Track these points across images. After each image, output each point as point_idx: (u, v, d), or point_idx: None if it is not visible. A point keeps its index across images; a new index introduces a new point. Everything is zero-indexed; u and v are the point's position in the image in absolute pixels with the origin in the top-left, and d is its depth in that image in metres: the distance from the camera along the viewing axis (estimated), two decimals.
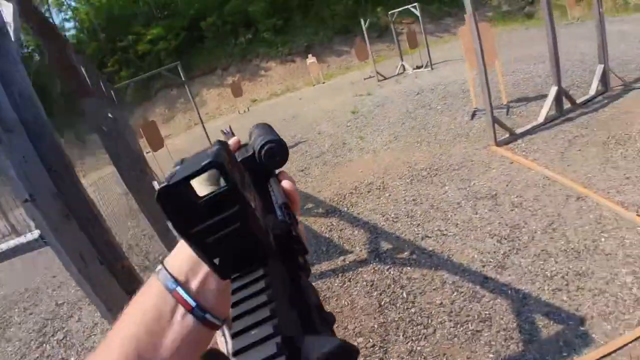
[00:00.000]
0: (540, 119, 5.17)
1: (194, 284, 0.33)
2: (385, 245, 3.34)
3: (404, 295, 2.66)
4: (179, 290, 0.33)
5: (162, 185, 0.23)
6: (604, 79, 5.65)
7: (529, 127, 5.10)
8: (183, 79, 7.99)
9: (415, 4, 9.95)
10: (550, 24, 4.87)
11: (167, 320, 0.33)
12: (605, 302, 2.12)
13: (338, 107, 8.39)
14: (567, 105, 5.38)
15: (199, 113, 8.27)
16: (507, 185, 3.84)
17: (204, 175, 0.23)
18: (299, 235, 0.29)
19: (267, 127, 0.41)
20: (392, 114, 6.92)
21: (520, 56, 9.73)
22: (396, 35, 11.81)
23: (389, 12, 11.35)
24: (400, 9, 10.82)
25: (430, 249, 3.12)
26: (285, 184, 0.39)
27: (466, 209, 3.56)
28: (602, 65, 5.55)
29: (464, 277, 2.66)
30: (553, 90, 5.15)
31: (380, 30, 17.37)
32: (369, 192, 4.37)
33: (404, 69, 11.06)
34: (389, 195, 4.22)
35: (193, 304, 0.32)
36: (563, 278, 2.39)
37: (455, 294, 2.53)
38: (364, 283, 2.90)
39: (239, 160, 0.36)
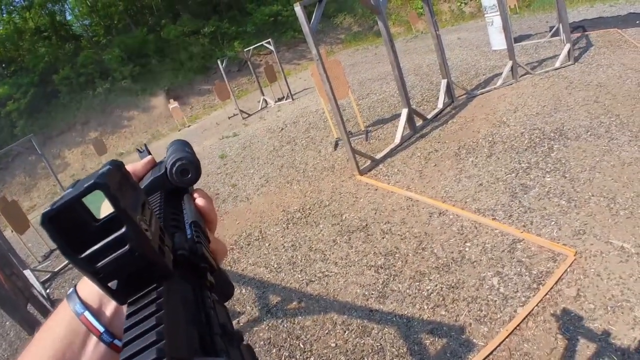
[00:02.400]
0: (397, 140, 6.40)
1: (108, 310, 0.39)
2: (274, 299, 3.86)
3: (301, 345, 3.09)
4: (87, 314, 0.38)
5: (46, 209, 0.28)
6: (449, 91, 7.42)
7: (387, 150, 6.23)
8: (39, 152, 8.88)
9: (269, 39, 12.27)
10: (393, 55, 6.18)
11: (78, 346, 0.38)
12: (478, 307, 2.81)
13: (206, 153, 9.35)
14: (420, 122, 6.83)
15: (59, 182, 9.63)
16: (375, 213, 4.64)
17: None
18: (204, 254, 0.36)
19: (181, 144, 0.50)
20: (260, 154, 7.99)
21: (374, 75, 11.90)
22: (254, 70, 13.81)
23: (245, 49, 13.40)
24: (254, 45, 12.89)
25: (316, 293, 3.65)
26: (199, 201, 0.48)
27: (342, 245, 4.26)
28: (446, 80, 7.31)
29: (352, 314, 3.18)
30: (404, 113, 6.47)
31: (239, 64, 20.34)
32: (248, 244, 4.94)
33: (266, 103, 13.06)
34: (269, 244, 4.83)
35: (101, 329, 0.38)
36: (439, 294, 3.05)
37: (346, 332, 3.02)
38: (262, 342, 3.32)
39: (151, 178, 0.46)
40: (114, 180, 0.29)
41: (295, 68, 20.06)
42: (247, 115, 12.52)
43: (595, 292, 2.65)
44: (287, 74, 13.99)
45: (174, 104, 15.63)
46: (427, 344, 2.64)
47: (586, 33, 9.97)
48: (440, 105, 7.26)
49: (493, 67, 8.94)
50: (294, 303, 3.67)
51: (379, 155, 6.09)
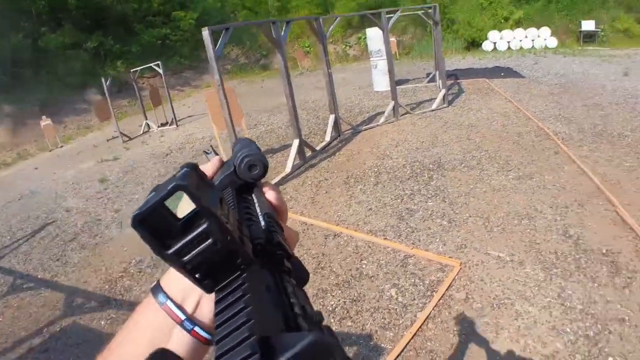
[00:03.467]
0: (288, 169, 6.75)
1: (191, 303, 0.44)
2: None
3: None
4: (169, 303, 0.43)
5: (135, 213, 0.33)
6: (337, 126, 8.08)
7: (278, 178, 6.52)
8: None
9: (158, 62, 12.53)
10: (289, 88, 6.65)
11: (164, 336, 0.42)
12: (381, 316, 3.12)
13: (84, 177, 8.90)
14: (309, 152, 7.30)
15: None
16: None
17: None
18: (280, 241, 0.41)
19: (247, 142, 0.55)
20: (144, 180, 7.82)
21: (261, 107, 12.36)
22: (139, 92, 13.74)
23: (132, 70, 13.21)
24: (143, 66, 12.91)
25: None
26: (269, 194, 0.54)
27: None
28: (334, 115, 7.96)
29: None
30: (295, 143, 6.88)
31: (120, 85, 19.46)
32: (139, 271, 4.68)
33: (149, 128, 12.94)
34: (162, 271, 4.56)
35: (182, 316, 0.42)
36: (343, 308, 3.31)
37: None
38: None
39: (221, 177, 0.52)
40: (192, 180, 0.34)
41: (179, 94, 19.75)
42: (128, 139, 12.16)
43: (481, 294, 3.16)
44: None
45: (46, 121, 14.09)
46: None
47: (458, 81, 11.72)
48: (327, 138, 7.85)
49: (375, 106, 9.96)
50: None
51: (272, 182, 6.31)
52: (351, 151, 7.11)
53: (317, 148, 7.49)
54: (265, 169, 0.50)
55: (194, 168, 0.37)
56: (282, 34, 6.54)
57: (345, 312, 3.26)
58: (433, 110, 8.69)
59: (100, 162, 9.78)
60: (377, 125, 8.27)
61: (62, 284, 4.55)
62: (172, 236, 0.34)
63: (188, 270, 0.34)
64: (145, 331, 0.44)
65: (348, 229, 4.58)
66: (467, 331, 2.83)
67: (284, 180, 6.50)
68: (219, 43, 5.47)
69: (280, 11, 25.50)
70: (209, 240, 0.33)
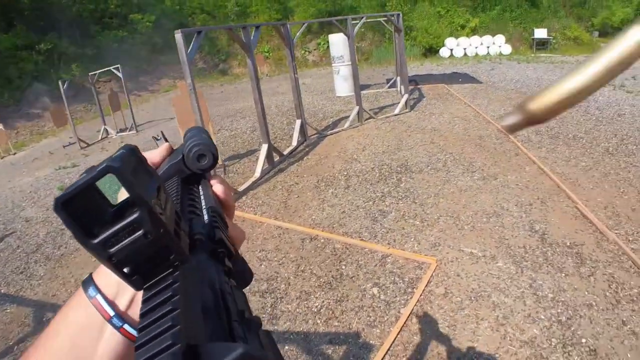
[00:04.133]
0: (257, 174, 6.80)
1: (124, 299, 0.41)
2: None
3: None
4: (99, 297, 0.41)
5: (58, 195, 0.30)
6: (303, 131, 8.20)
7: (248, 183, 6.56)
8: None
9: (118, 65, 12.32)
10: (258, 93, 6.72)
11: (94, 332, 0.40)
12: (366, 314, 3.25)
13: (41, 185, 8.64)
14: (277, 157, 7.38)
15: None
16: (247, 243, 4.84)
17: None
18: (222, 238, 0.39)
19: (198, 130, 0.53)
20: None
21: (222, 113, 12.33)
22: (97, 97, 13.48)
23: (90, 74, 12.96)
24: (102, 69, 12.67)
25: None
26: (217, 187, 0.52)
27: None
28: (300, 120, 8.08)
29: None
30: (264, 147, 6.95)
31: (76, 89, 18.82)
32: None
33: (107, 133, 12.76)
34: None
35: (112, 312, 0.40)
36: (328, 308, 3.41)
37: None
38: None
39: (168, 164, 0.50)
40: (128, 164, 0.32)
41: (137, 99, 19.31)
42: (86, 145, 11.89)
43: (459, 288, 3.35)
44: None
45: None
46: (330, 352, 2.94)
47: (418, 86, 12.11)
48: (294, 143, 7.95)
49: (339, 111, 10.17)
50: None
51: (241, 188, 6.36)
52: (319, 155, 7.24)
53: (285, 153, 7.59)
54: (215, 159, 0.49)
55: (132, 151, 0.35)
56: (252, 38, 6.61)
57: (331, 312, 3.36)
58: (396, 115, 8.97)
59: (57, 169, 9.50)
60: (343, 129, 8.46)
61: (29, 299, 4.41)
62: (101, 224, 0.31)
63: (114, 263, 0.32)
64: (72, 326, 0.41)
65: (324, 232, 4.69)
66: (450, 323, 3.00)
67: (254, 185, 6.54)
68: (191, 46, 5.47)
69: (239, 16, 25.53)
70: (140, 232, 0.31)
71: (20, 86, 19.19)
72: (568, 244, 3.83)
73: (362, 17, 8.55)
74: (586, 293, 3.20)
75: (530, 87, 10.85)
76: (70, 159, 10.40)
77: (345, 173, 6.24)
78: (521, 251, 3.78)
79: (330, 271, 3.95)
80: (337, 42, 12.17)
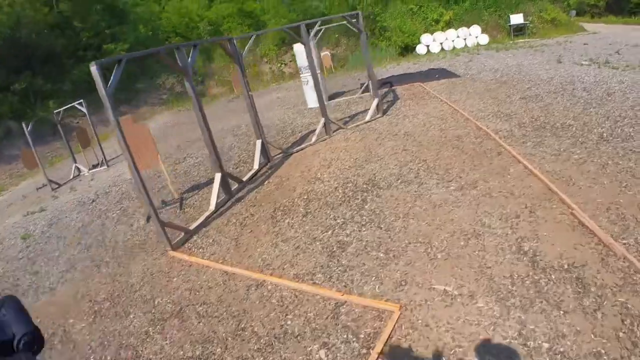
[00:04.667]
0: (212, 207, 6.06)
1: None
2: None
3: None
4: None
5: None
6: (265, 152, 7.46)
7: (202, 219, 5.82)
8: None
9: (81, 100, 11.99)
10: (203, 119, 6.00)
11: None
12: None
13: (7, 234, 8.22)
14: (236, 185, 6.63)
15: None
16: (190, 294, 4.12)
17: None
18: None
19: (17, 310, 0.68)
20: (67, 233, 7.15)
21: (195, 137, 11.62)
22: (64, 134, 13.05)
23: (55, 111, 12.62)
24: (65, 107, 12.30)
25: None
26: None
27: (155, 337, 3.68)
28: (260, 140, 7.34)
29: None
30: (217, 177, 6.22)
31: (54, 127, 18.50)
32: (51, 349, 4.14)
33: (79, 171, 12.36)
34: (74, 346, 4.06)
35: None
36: None
37: None
38: None
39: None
40: None
41: (109, 132, 18.68)
42: (57, 186, 11.38)
43: (427, 344, 2.58)
44: (102, 138, 13.73)
45: None
46: None
47: (393, 88, 11.39)
48: (256, 166, 7.21)
49: (309, 124, 9.43)
50: None
51: (193, 226, 5.62)
52: (281, 178, 6.49)
53: (245, 179, 6.84)
54: (42, 345, 0.58)
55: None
56: (190, 59, 5.89)
57: None
58: (367, 122, 8.23)
59: (26, 215, 8.84)
60: (309, 144, 7.71)
61: None
62: None
63: None
64: None
65: (273, 276, 3.92)
66: None
67: (208, 220, 5.80)
68: (111, 78, 4.81)
69: (212, 34, 25.43)
70: None
71: None
72: (565, 266, 3.06)
73: (317, 23, 7.79)
74: (592, 337, 2.43)
75: (511, 74, 10.13)
76: (40, 202, 9.73)
77: (305, 197, 5.47)
78: (507, 283, 3.00)
79: (274, 328, 3.19)
80: (302, 51, 11.47)
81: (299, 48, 11.59)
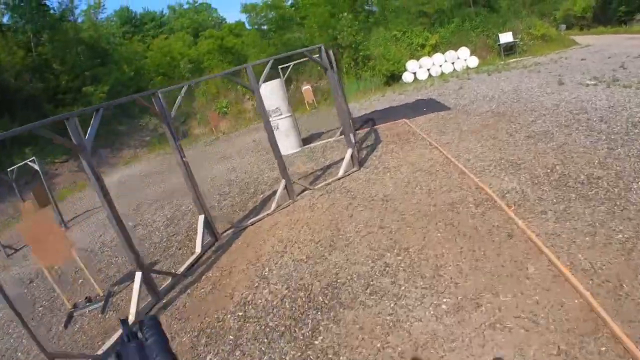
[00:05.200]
0: (132, 315, 4.51)
1: None
2: None
3: None
4: None
5: None
6: (210, 229, 5.91)
7: (113, 339, 4.29)
8: None
9: (33, 158, 11.14)
10: (108, 209, 4.52)
11: None
12: None
13: None
14: (167, 281, 5.07)
15: None
16: None
17: None
18: None
19: (161, 334, 0.79)
20: None
21: (160, 193, 10.17)
22: (20, 193, 12.16)
23: (8, 170, 11.79)
24: (15, 166, 11.42)
25: None
26: None
27: None
28: (203, 216, 5.79)
29: None
30: (138, 277, 4.67)
31: (28, 176, 17.31)
32: None
33: None
34: None
35: None
36: None
37: None
38: None
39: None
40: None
41: (73, 188, 17.06)
42: (12, 251, 9.99)
43: None
44: (63, 195, 13.13)
45: None
46: None
47: (375, 127, 9.94)
48: (198, 250, 5.64)
49: (277, 179, 7.90)
50: None
51: (101, 350, 4.06)
52: (221, 271, 4.91)
53: (181, 269, 5.27)
54: None
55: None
56: (90, 130, 4.48)
57: None
58: (340, 179, 6.70)
59: None
60: (267, 214, 6.16)
61: None
62: None
63: None
64: None
65: None
66: None
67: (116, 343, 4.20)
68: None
69: (193, 72, 24.71)
70: None
71: None
72: None
73: (269, 61, 6.31)
74: None
75: (508, 103, 8.65)
76: None
77: (241, 312, 3.87)
78: None
79: None
80: (271, 91, 10.06)
81: (265, 89, 10.18)
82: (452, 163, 5.89)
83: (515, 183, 4.74)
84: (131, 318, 4.51)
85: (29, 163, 11.04)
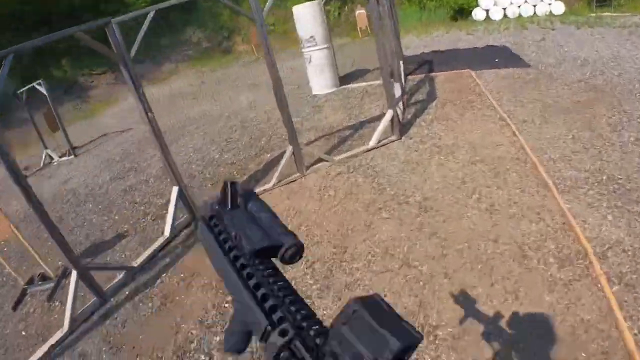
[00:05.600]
0: (65, 327, 3.33)
1: None
2: None
3: None
4: None
5: None
6: (187, 204, 4.54)
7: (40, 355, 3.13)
8: None
9: (40, 80, 10.30)
10: None
11: None
12: None
13: None
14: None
15: None
16: None
17: None
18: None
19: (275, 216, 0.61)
20: None
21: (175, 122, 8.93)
22: (32, 116, 11.30)
23: (18, 92, 10.95)
24: (27, 86, 10.61)
25: None
26: None
27: None
28: (177, 187, 4.39)
29: None
30: (73, 281, 3.43)
31: (66, 88, 17.39)
32: None
33: (51, 159, 10.50)
34: None
35: None
36: None
37: None
38: None
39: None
40: None
41: (81, 113, 15.93)
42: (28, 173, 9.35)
43: None
44: (96, 109, 12.84)
45: None
46: None
47: (432, 74, 8.06)
48: (166, 233, 4.31)
49: (298, 129, 6.32)
50: None
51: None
52: (181, 277, 3.60)
53: (139, 261, 3.96)
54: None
55: None
56: None
57: None
58: (370, 150, 5.08)
59: None
60: (265, 190, 4.69)
61: None
62: None
63: None
64: None
65: None
66: None
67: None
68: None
69: None
70: None
71: None
72: None
73: None
74: None
75: (608, 75, 6.51)
76: None
77: None
78: None
79: None
80: (303, 15, 8.20)
81: (299, 12, 8.29)
82: (531, 162, 4.14)
83: (624, 231, 3.00)
84: (64, 329, 3.34)
85: (36, 86, 10.18)
